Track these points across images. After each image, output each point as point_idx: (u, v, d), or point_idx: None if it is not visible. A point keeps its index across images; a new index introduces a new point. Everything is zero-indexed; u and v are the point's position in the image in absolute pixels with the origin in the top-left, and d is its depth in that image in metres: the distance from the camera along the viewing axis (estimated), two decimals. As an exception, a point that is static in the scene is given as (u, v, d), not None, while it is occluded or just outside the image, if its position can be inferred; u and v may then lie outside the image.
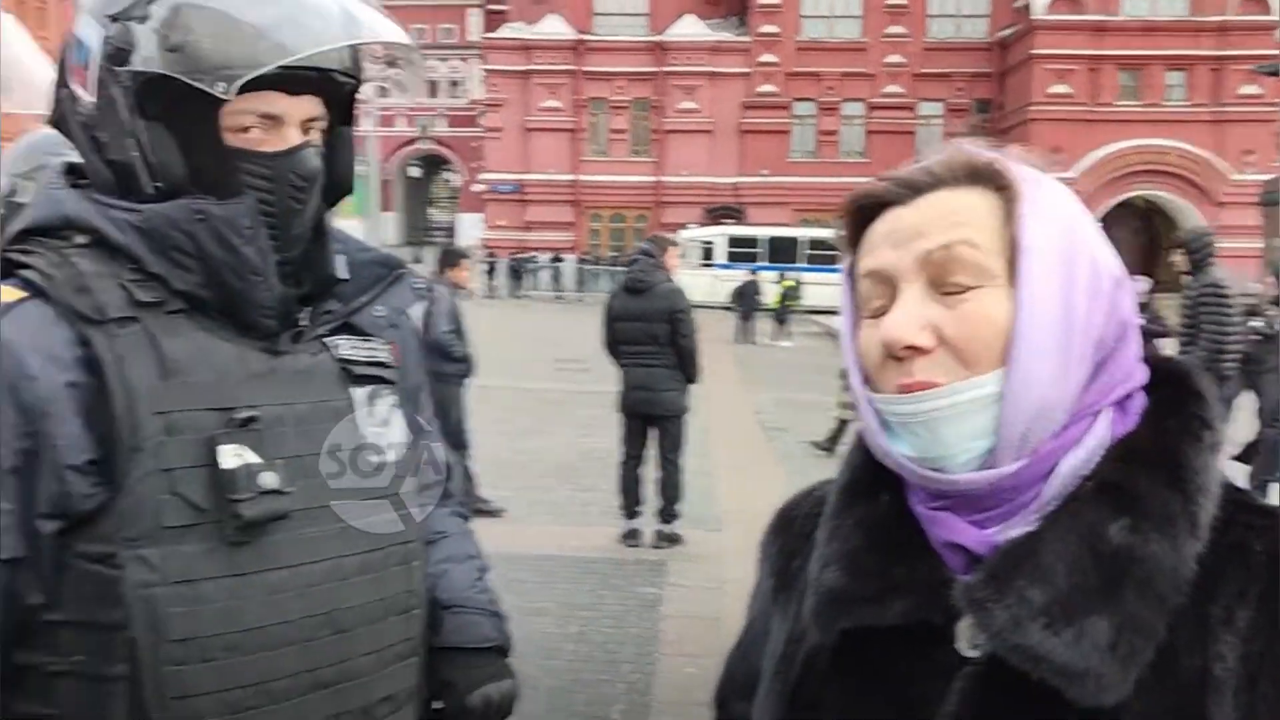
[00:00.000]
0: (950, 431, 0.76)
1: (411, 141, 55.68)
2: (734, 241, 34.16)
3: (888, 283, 0.80)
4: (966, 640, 0.78)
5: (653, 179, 41.14)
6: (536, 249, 38.69)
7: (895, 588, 0.80)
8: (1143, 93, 37.01)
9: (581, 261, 36.97)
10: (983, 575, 0.76)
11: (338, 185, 1.26)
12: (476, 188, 45.83)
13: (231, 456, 1.09)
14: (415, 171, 55.12)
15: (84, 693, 1.08)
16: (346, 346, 1.24)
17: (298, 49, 1.10)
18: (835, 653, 0.84)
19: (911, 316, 0.78)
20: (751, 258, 30.76)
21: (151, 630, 1.06)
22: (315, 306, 1.24)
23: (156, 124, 1.12)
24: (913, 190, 0.82)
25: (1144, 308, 11.21)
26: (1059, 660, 0.72)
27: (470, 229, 48.27)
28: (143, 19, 1.10)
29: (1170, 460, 0.77)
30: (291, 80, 1.14)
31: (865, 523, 0.84)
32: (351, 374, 1.23)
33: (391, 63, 1.31)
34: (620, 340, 6.63)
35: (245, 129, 1.14)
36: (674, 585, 5.75)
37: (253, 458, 1.11)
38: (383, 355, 1.27)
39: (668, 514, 6.57)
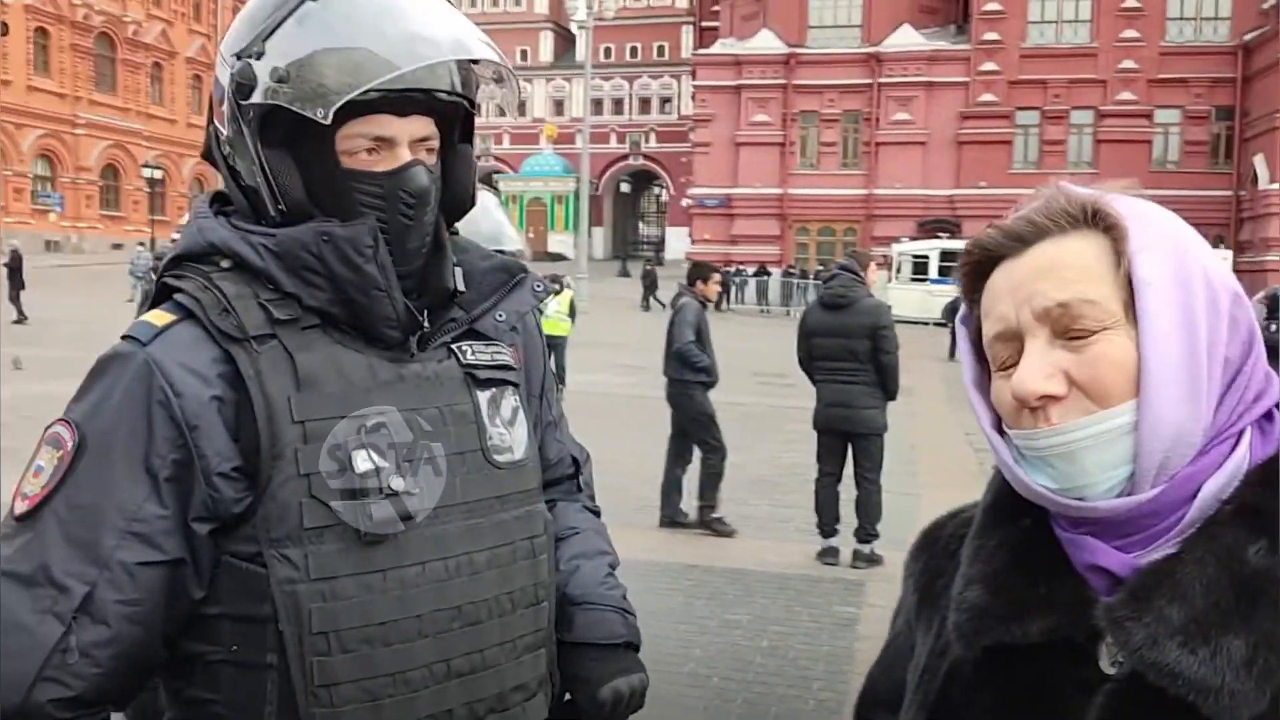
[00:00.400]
0: (1091, 461, 0.79)
1: (623, 158, 56.93)
2: (947, 256, 33.06)
3: (1014, 339, 0.83)
4: (1108, 658, 0.80)
5: (863, 192, 40.41)
6: (742, 262, 38.73)
7: (1038, 606, 0.83)
8: None
9: (787, 275, 36.72)
10: (1124, 595, 0.78)
11: (457, 201, 1.34)
12: (684, 202, 46.33)
13: (364, 460, 1.17)
14: (625, 187, 56.31)
15: (242, 679, 1.17)
16: (470, 352, 1.31)
17: (387, 72, 1.17)
18: (977, 668, 0.86)
19: (1040, 366, 0.80)
20: (965, 273, 29.58)
21: (295, 623, 1.14)
22: (439, 315, 1.31)
23: (277, 151, 1.21)
24: (1020, 242, 0.84)
25: None
26: (1195, 677, 0.74)
27: (677, 243, 48.86)
28: (259, 55, 1.20)
29: None
30: (399, 102, 1.21)
31: (1008, 543, 0.87)
32: (476, 378, 1.30)
33: (498, 79, 1.35)
34: (817, 356, 6.56)
35: (358, 152, 1.22)
36: (872, 606, 5.63)
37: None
38: (505, 358, 1.34)
39: (865, 534, 6.44)
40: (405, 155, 1.24)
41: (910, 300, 28.94)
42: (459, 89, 1.27)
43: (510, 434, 1.32)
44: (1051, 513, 0.85)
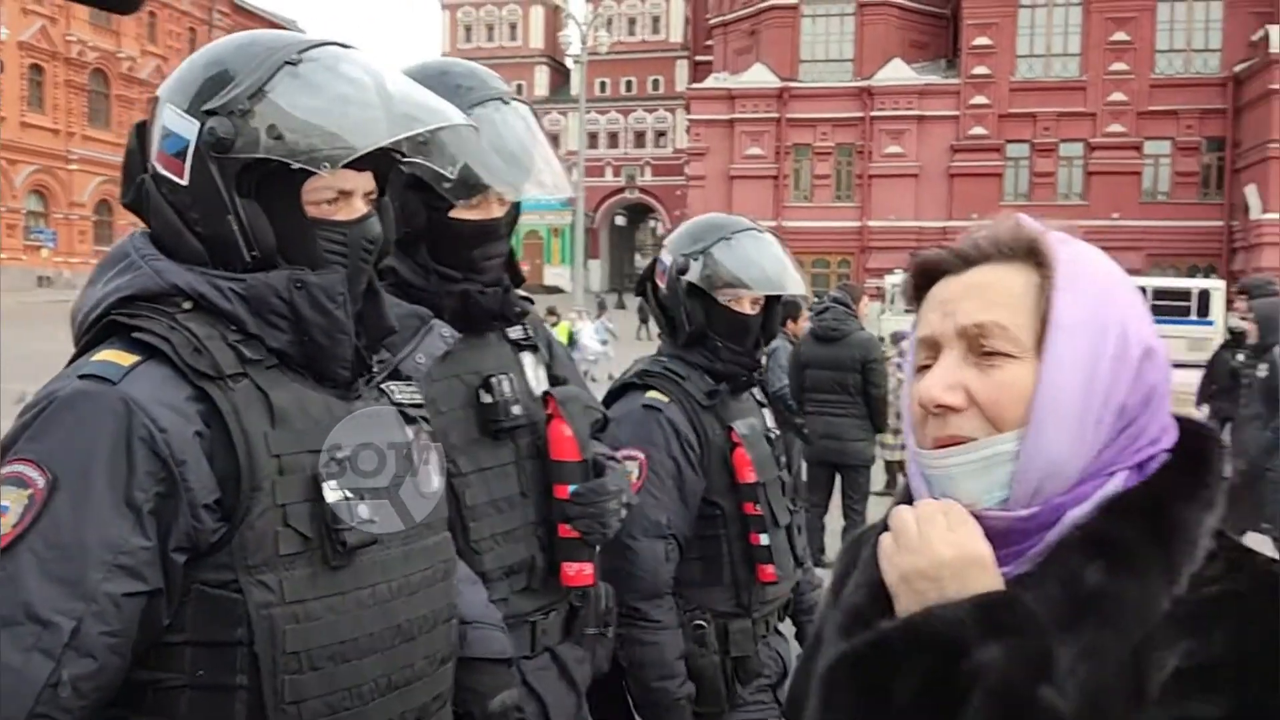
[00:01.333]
0: (972, 485, 0.87)
1: (619, 191, 57.22)
2: (940, 288, 33.17)
3: (934, 346, 0.91)
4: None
5: (857, 224, 40.64)
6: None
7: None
8: (1403, 126, 33.71)
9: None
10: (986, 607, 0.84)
11: (384, 249, 1.45)
12: (680, 235, 46.50)
13: (332, 491, 1.27)
14: (621, 220, 56.57)
15: (205, 703, 1.23)
16: (397, 391, 1.45)
17: (382, 136, 1.31)
18: (853, 665, 0.90)
19: (945, 378, 0.88)
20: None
21: (270, 644, 1.22)
22: (371, 359, 1.42)
23: (251, 200, 1.30)
24: (963, 262, 0.92)
25: None
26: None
27: (673, 275, 48.90)
28: (245, 113, 1.28)
29: (1157, 512, 0.85)
30: (359, 159, 1.31)
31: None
32: (406, 415, 1.43)
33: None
34: (809, 388, 6.55)
35: (321, 203, 1.33)
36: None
37: (348, 492, 1.29)
38: (419, 398, 1.48)
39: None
40: (361, 206, 1.37)
41: (905, 330, 28.99)
42: (404, 151, 1.44)
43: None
44: None
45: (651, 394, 2.32)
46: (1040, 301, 0.87)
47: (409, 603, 1.36)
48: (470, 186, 1.81)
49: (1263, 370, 6.28)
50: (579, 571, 1.91)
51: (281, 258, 1.32)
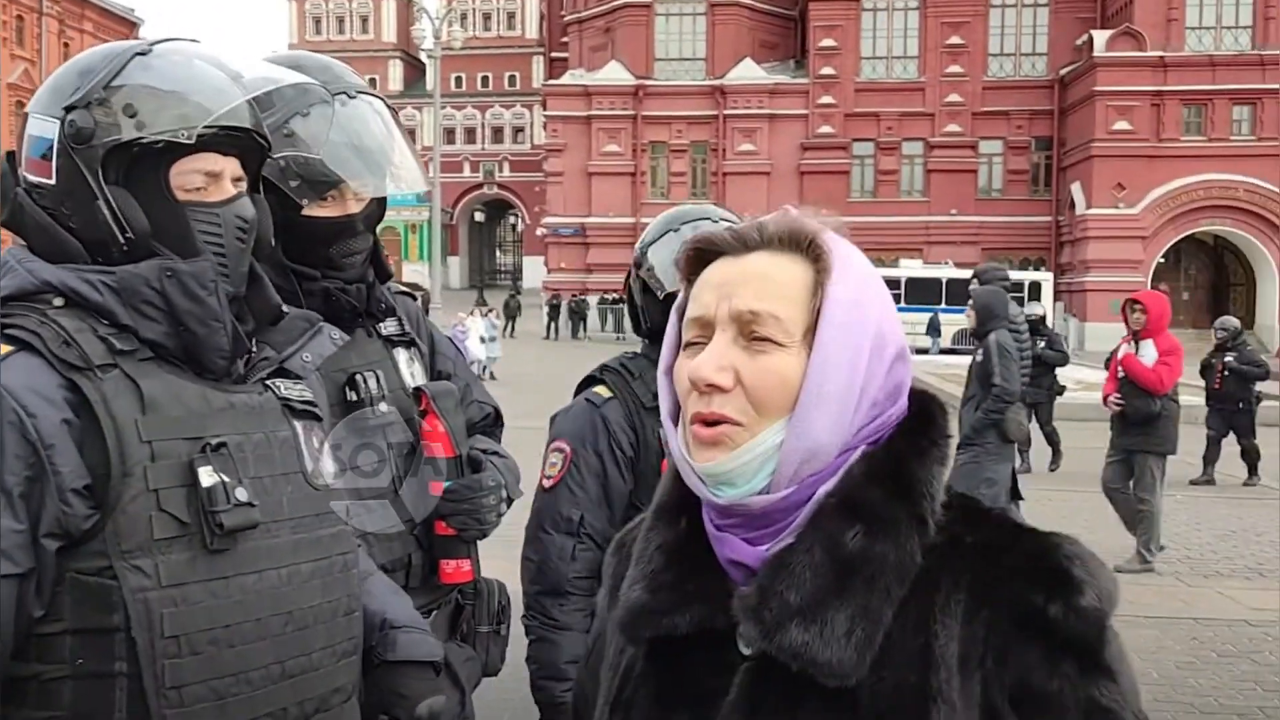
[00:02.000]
0: (743, 482, 0.90)
1: (478, 187, 56.78)
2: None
3: (706, 326, 0.93)
4: (744, 641, 0.91)
5: (712, 220, 41.30)
6: (598, 291, 39.15)
7: (688, 601, 0.94)
8: (1208, 127, 36.45)
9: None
10: (753, 585, 0.90)
11: (262, 238, 1.47)
12: (539, 231, 46.53)
13: (208, 476, 1.29)
14: (480, 216, 56.14)
15: (88, 691, 1.24)
16: (283, 387, 1.45)
17: (226, 104, 1.36)
18: (645, 659, 0.97)
19: (717, 358, 0.90)
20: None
21: (148, 629, 1.23)
22: (255, 354, 1.44)
23: (119, 188, 1.33)
24: (743, 245, 0.95)
25: (1238, 347, 11.06)
26: (809, 652, 0.86)
27: (534, 272, 48.96)
28: (101, 102, 1.33)
29: (898, 472, 0.91)
30: (224, 142, 1.38)
31: (666, 546, 0.98)
32: (293, 409, 1.45)
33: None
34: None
35: (191, 188, 1.36)
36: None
37: (225, 476, 1.30)
38: (309, 395, 1.49)
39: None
40: (230, 188, 1.39)
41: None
42: (264, 132, 1.45)
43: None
44: (704, 510, 0.96)
45: (598, 389, 2.22)
46: (812, 296, 0.91)
47: (301, 591, 1.36)
48: (317, 185, 1.80)
49: (980, 355, 6.76)
50: (457, 568, 1.89)
51: (157, 244, 1.34)
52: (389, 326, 1.98)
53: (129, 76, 1.34)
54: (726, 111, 41.23)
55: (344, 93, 1.86)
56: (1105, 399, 7.69)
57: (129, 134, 1.32)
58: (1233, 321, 11.68)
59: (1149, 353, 7.44)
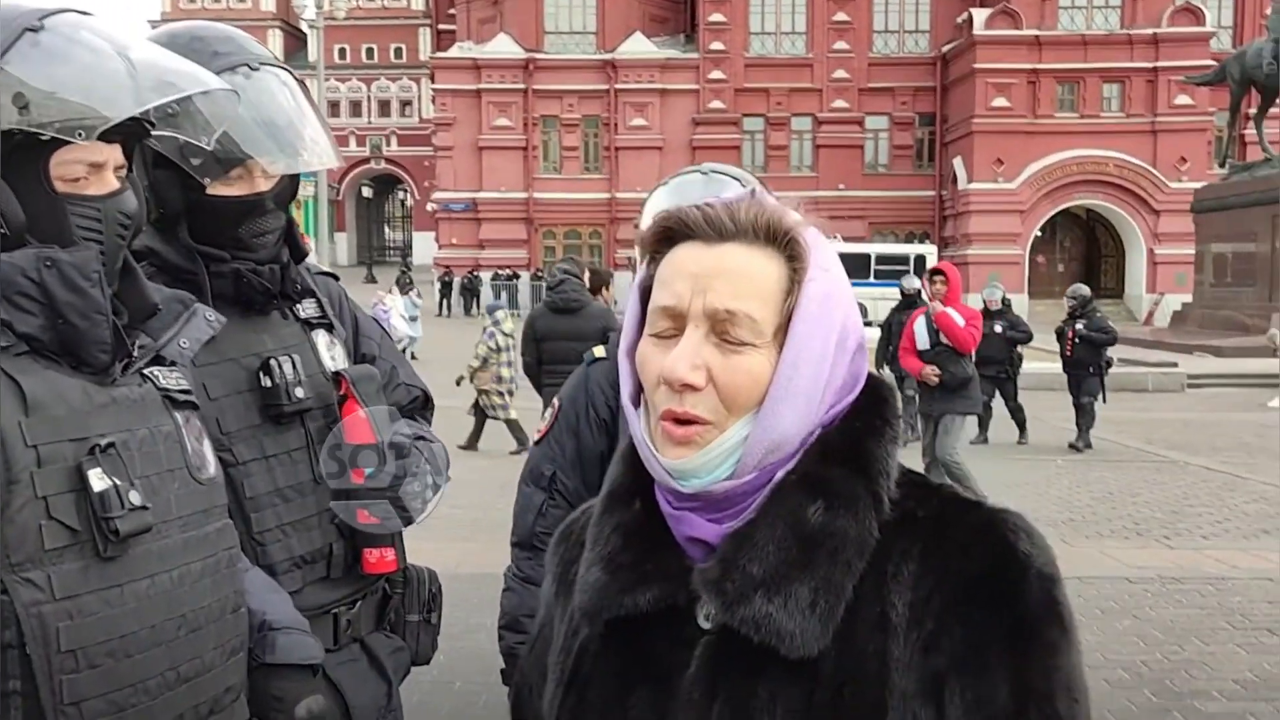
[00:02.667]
0: (707, 474, 0.91)
1: (364, 161, 55.50)
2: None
3: (678, 318, 0.91)
4: (703, 615, 0.92)
5: (606, 195, 41.32)
6: (491, 267, 38.76)
7: (647, 580, 0.94)
8: (1080, 104, 37.86)
9: (536, 279, 37.04)
10: (715, 559, 0.91)
11: (137, 224, 1.39)
12: (430, 206, 45.75)
13: (99, 480, 1.22)
14: (367, 191, 54.93)
15: None
16: (162, 377, 1.37)
17: (130, 106, 1.26)
18: (602, 641, 0.98)
19: (690, 356, 0.89)
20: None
21: (43, 645, 1.17)
22: (131, 342, 1.35)
23: None
24: (718, 234, 0.92)
25: (1088, 315, 11.58)
26: (772, 623, 0.87)
27: (425, 248, 48.18)
28: None
29: (855, 451, 0.93)
30: (110, 130, 1.27)
31: (621, 526, 0.98)
32: (174, 400, 1.37)
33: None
34: (547, 361, 6.76)
35: (73, 178, 1.27)
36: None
37: (116, 479, 1.23)
38: (186, 384, 1.41)
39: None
40: (113, 180, 1.30)
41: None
42: (152, 118, 1.35)
43: (204, 453, 1.40)
44: (658, 491, 0.96)
45: (598, 349, 2.19)
46: (786, 294, 0.91)
47: (193, 592, 1.31)
48: (221, 162, 1.70)
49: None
50: (380, 558, 1.83)
51: (32, 237, 1.25)
52: (307, 308, 1.89)
53: (19, 55, 1.23)
54: (618, 86, 41.12)
55: (246, 64, 1.77)
56: (919, 373, 8.02)
57: (8, 121, 1.22)
58: (1083, 290, 12.22)
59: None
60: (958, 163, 38.76)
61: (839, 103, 41.28)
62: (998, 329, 10.98)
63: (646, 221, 1.99)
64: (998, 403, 11.47)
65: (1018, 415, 11.69)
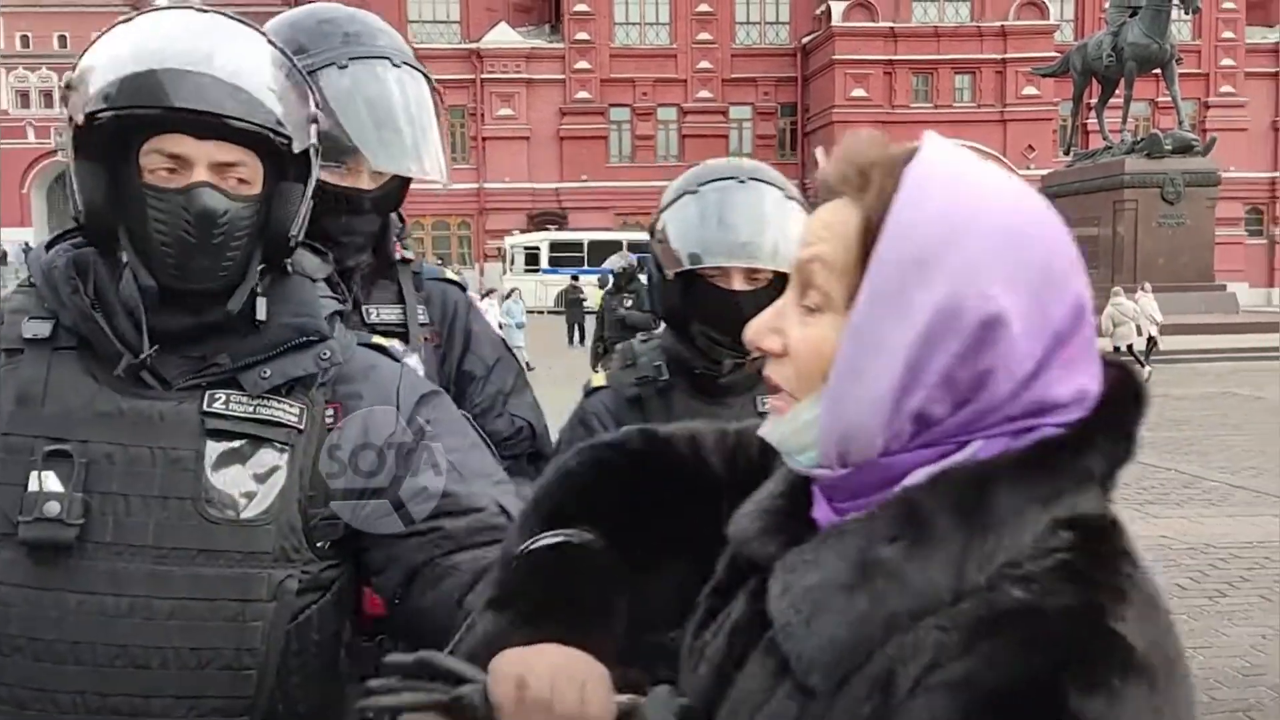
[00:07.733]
0: (793, 450, 0.84)
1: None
2: (556, 246, 34.53)
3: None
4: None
5: (474, 186, 40.88)
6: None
7: (775, 536, 0.87)
8: (934, 95, 39.27)
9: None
10: (796, 550, 0.83)
11: (272, 237, 1.32)
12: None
13: (36, 481, 1.21)
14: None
15: None
16: (223, 400, 1.27)
17: (163, 92, 1.23)
18: (731, 560, 0.92)
19: (771, 321, 0.83)
20: (575, 262, 31.12)
21: None
22: (204, 356, 1.30)
23: (88, 164, 1.26)
24: (827, 191, 0.84)
25: None
26: (789, 633, 0.79)
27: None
28: (79, 84, 1.27)
29: (973, 493, 0.76)
30: (196, 124, 1.24)
31: (789, 476, 0.90)
32: (216, 427, 1.26)
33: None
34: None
35: (157, 169, 1.25)
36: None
37: (54, 486, 1.21)
38: (270, 414, 1.29)
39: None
40: (199, 176, 1.25)
41: (526, 289, 29.90)
42: (258, 120, 1.26)
43: (242, 491, 1.26)
44: None
45: (597, 377, 1.98)
46: (862, 243, 0.77)
47: (148, 627, 1.21)
48: (327, 150, 1.54)
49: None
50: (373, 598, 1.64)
51: (121, 224, 1.27)
52: (385, 314, 1.81)
53: (94, 49, 1.28)
54: (484, 75, 40.69)
55: (388, 59, 1.74)
56: None
57: (73, 112, 1.26)
58: None
59: None
60: (819, 152, 38.03)
61: (703, 93, 41.75)
62: None
63: (672, 227, 1.84)
64: None
65: None
